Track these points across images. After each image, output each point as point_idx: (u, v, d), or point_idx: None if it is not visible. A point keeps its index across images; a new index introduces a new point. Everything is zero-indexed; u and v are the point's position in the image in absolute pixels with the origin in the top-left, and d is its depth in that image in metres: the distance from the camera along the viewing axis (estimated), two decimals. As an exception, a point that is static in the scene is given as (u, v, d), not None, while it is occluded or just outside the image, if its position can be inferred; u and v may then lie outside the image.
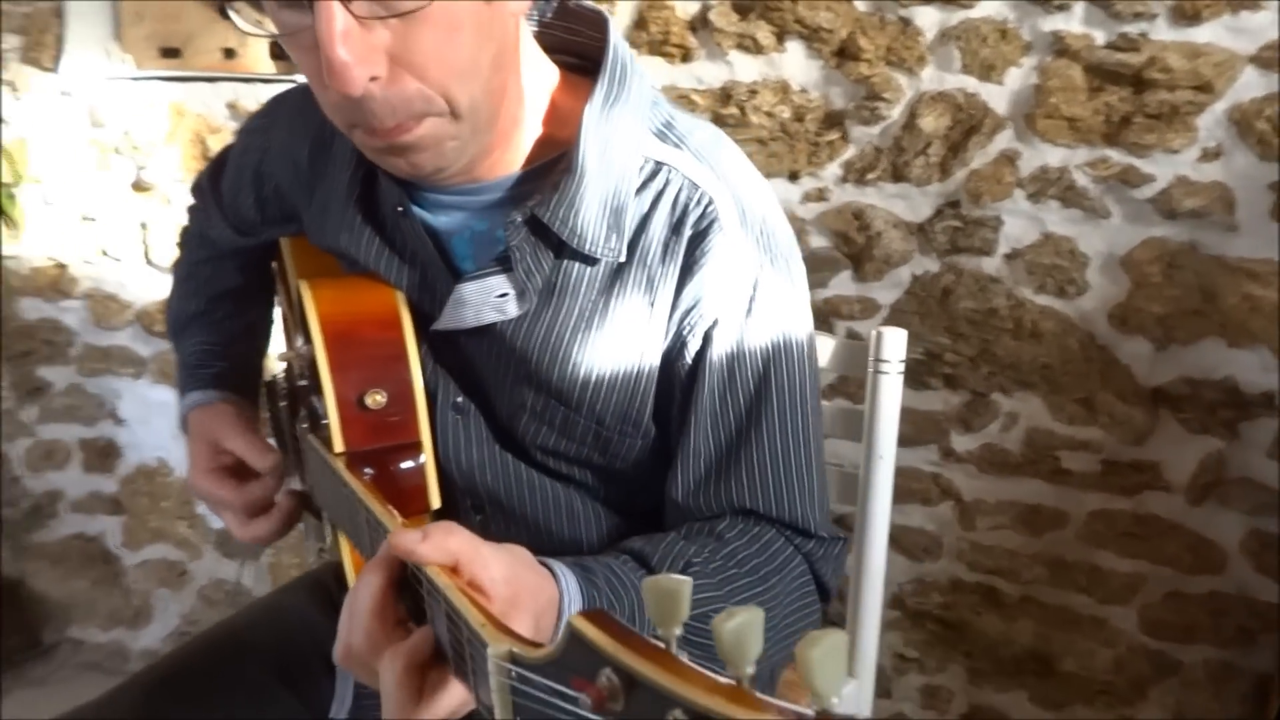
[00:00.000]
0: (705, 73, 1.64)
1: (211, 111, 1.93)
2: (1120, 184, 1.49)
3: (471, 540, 0.60)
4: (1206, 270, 1.48)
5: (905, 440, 1.64)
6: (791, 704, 0.36)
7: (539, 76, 0.80)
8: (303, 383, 0.94)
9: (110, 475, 2.17)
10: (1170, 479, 1.54)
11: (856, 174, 1.60)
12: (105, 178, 2.01)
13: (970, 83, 1.52)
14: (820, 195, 1.63)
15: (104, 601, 2.22)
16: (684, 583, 0.41)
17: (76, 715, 0.88)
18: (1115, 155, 1.48)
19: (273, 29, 0.70)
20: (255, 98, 1.89)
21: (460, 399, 0.85)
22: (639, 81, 0.80)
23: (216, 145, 1.93)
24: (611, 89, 0.78)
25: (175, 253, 1.17)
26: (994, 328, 1.58)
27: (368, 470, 0.81)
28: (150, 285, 2.05)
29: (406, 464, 0.83)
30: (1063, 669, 1.64)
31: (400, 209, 0.81)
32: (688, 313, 0.79)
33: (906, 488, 1.67)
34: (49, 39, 1.98)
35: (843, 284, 1.65)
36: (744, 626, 0.37)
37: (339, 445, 0.81)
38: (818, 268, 1.64)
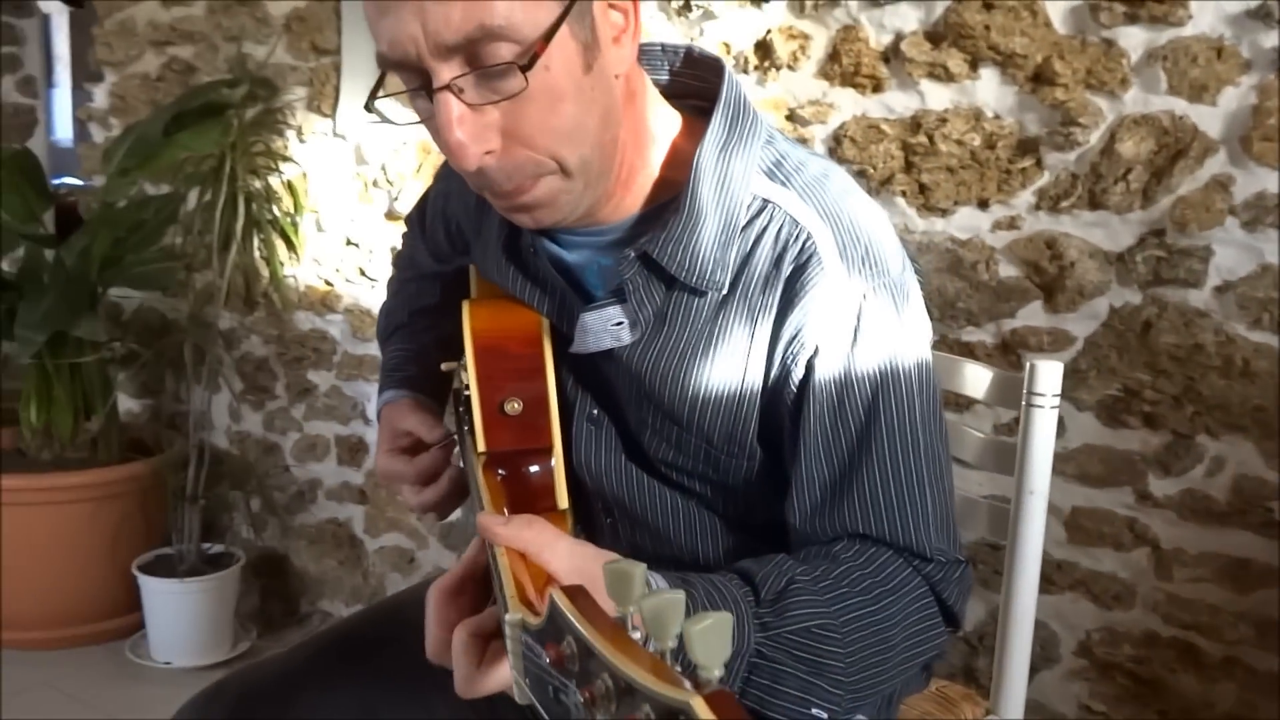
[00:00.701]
0: (896, 102, 1.61)
1: (452, 148, 2.09)
2: (1351, 211, 1.31)
3: (550, 534, 0.66)
4: None
5: (1097, 480, 1.53)
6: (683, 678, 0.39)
7: (661, 123, 0.85)
8: (466, 392, 1.02)
9: (358, 469, 2.38)
10: None
11: (1050, 201, 1.51)
12: (365, 208, 2.23)
13: (1179, 104, 1.40)
14: (1011, 223, 1.55)
15: (348, 580, 2.44)
16: (638, 566, 0.44)
17: (263, 664, 0.98)
18: (1345, 180, 1.31)
19: (413, 116, 0.78)
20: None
21: (595, 411, 0.91)
22: (752, 123, 0.83)
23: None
24: (723, 132, 0.81)
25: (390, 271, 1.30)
26: (1200, 364, 1.43)
27: (501, 471, 0.87)
28: (397, 302, 2.24)
29: (537, 466, 0.89)
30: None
31: (533, 249, 0.88)
32: (790, 343, 0.80)
33: (1097, 531, 1.54)
34: (329, 90, 2.22)
35: (1033, 314, 1.55)
36: (710, 630, 0.39)
37: (481, 446, 0.88)
38: (1006, 297, 1.56)
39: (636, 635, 0.44)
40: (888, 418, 0.80)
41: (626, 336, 0.84)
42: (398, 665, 0.96)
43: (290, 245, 2.30)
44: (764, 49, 1.70)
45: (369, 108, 0.81)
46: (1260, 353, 1.39)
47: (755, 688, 0.74)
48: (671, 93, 0.88)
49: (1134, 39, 1.41)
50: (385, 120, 0.82)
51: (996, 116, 1.53)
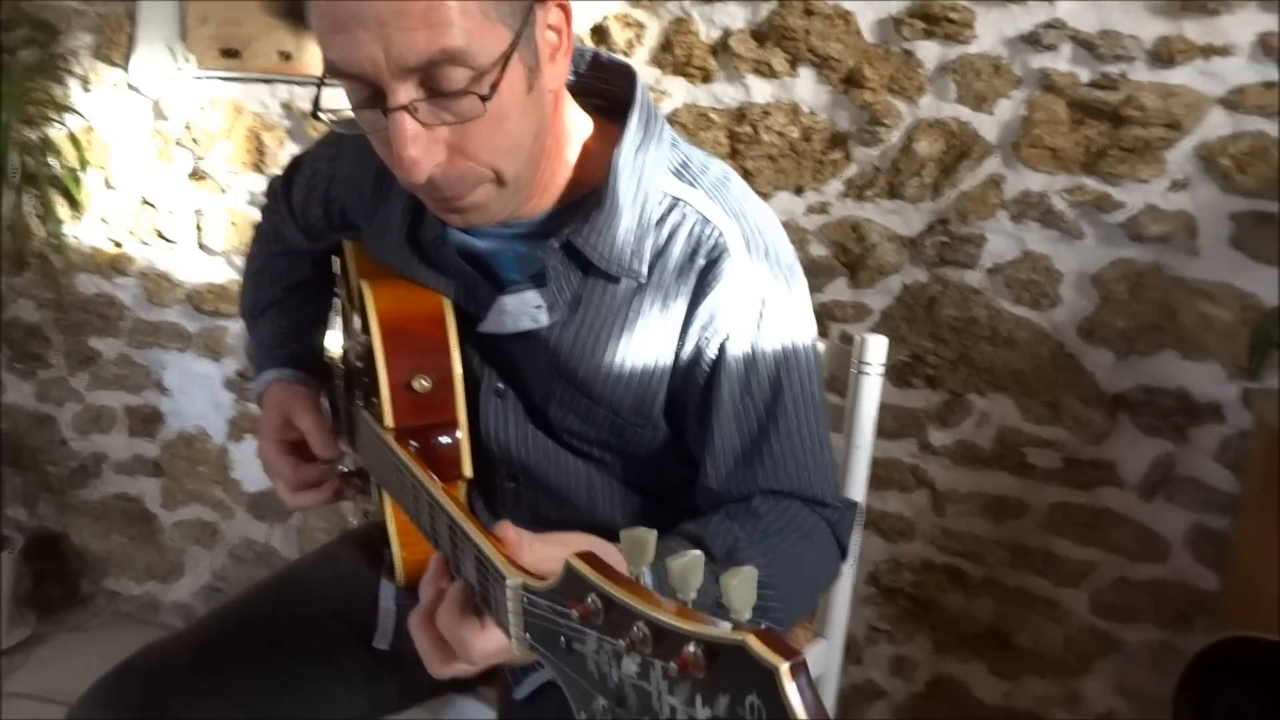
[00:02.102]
0: (723, 93, 1.66)
1: (268, 111, 1.93)
2: (1094, 209, 1.51)
3: (530, 534, 0.64)
4: (1168, 290, 1.51)
5: (888, 433, 1.67)
6: (717, 620, 0.42)
7: (575, 125, 0.86)
8: (359, 365, 0.97)
9: (152, 440, 2.15)
10: (1124, 476, 1.57)
11: (856, 190, 1.62)
12: (165, 167, 2.00)
13: (964, 112, 1.55)
14: (822, 208, 1.65)
15: (140, 556, 2.21)
16: (649, 534, 0.48)
17: (166, 643, 0.88)
18: (1091, 183, 1.51)
19: (358, 127, 0.78)
20: (310, 98, 1.88)
21: (501, 385, 0.91)
22: (660, 126, 0.86)
23: (271, 142, 1.93)
24: (638, 134, 0.84)
25: (248, 244, 1.22)
26: (973, 335, 1.60)
27: (413, 443, 0.86)
28: (201, 268, 2.04)
29: (445, 439, 0.89)
30: (1018, 644, 1.66)
31: (440, 239, 0.89)
32: (704, 328, 0.84)
33: (887, 477, 1.69)
34: (121, 38, 1.97)
35: (839, 290, 1.67)
36: (688, 565, 0.44)
37: (389, 421, 0.87)
38: (817, 274, 1.66)
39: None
40: (790, 389, 0.86)
41: (544, 319, 0.86)
42: (310, 637, 0.91)
43: (72, 202, 2.02)
44: (600, 34, 1.69)
45: (315, 115, 0.78)
46: (1021, 325, 1.58)
47: None
48: (576, 91, 0.90)
49: (930, 52, 1.54)
50: (336, 127, 0.80)
51: (812, 112, 1.62)
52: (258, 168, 1.96)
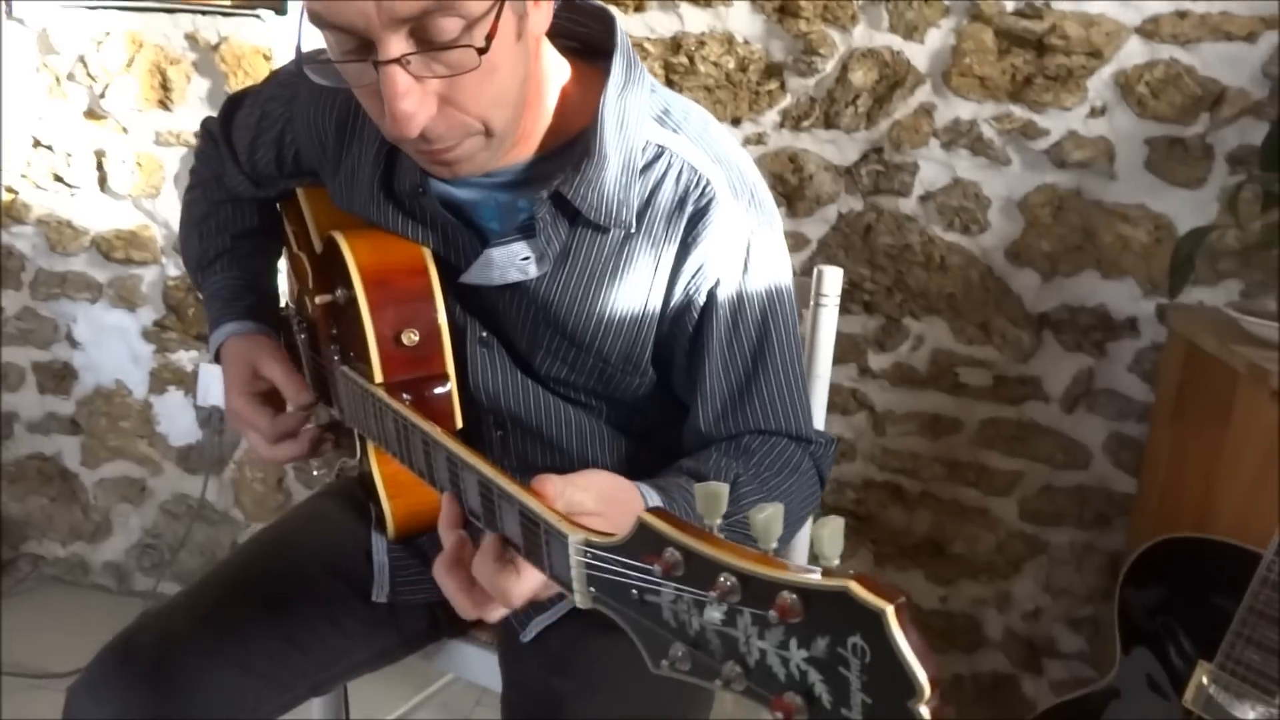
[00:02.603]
0: (657, 23, 1.64)
1: (170, 43, 1.80)
2: (1021, 136, 1.57)
3: (561, 481, 0.64)
4: (1088, 213, 1.58)
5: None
6: (802, 565, 0.45)
7: (554, 74, 0.84)
8: (334, 319, 0.95)
9: (67, 397, 2.05)
10: (1049, 390, 1.66)
11: (792, 121, 1.63)
12: (58, 105, 1.86)
13: (896, 41, 1.57)
14: (759, 139, 1.65)
15: (62, 517, 2.12)
16: (724, 488, 0.50)
17: (164, 612, 0.86)
18: (1018, 111, 1.56)
19: (341, 79, 0.74)
20: (216, 30, 1.77)
21: (485, 335, 0.91)
22: (640, 71, 0.85)
23: (177, 77, 1.81)
24: (621, 80, 0.82)
25: (186, 190, 1.15)
26: (908, 261, 1.65)
27: (405, 396, 0.85)
28: (107, 213, 1.92)
29: (435, 391, 0.88)
30: (953, 551, 1.76)
31: (421, 189, 0.86)
32: (694, 275, 0.85)
33: (829, 400, 1.73)
34: (-6, -38, 1.80)
35: (778, 220, 1.69)
36: (770, 517, 0.46)
37: (379, 376, 0.86)
38: (757, 205, 1.67)
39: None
40: (776, 332, 0.88)
41: (533, 270, 0.85)
42: (309, 594, 0.90)
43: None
44: (531, -39, 1.64)
45: (303, 68, 0.74)
46: (953, 250, 1.64)
47: None
48: (549, 33, 0.86)
49: (863, -19, 1.55)
50: (318, 79, 0.76)
51: (747, 42, 1.62)
52: (164, 105, 1.84)
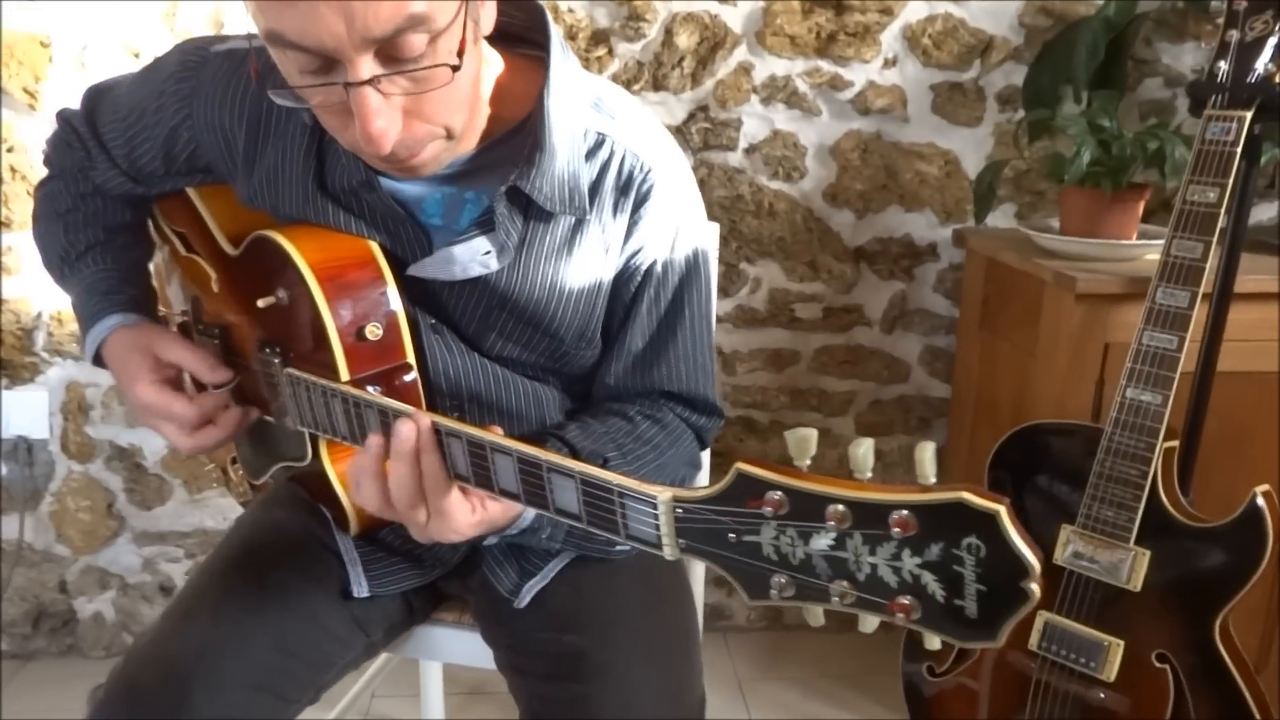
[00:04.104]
0: (481, -6, 1.62)
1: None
2: (829, 88, 1.71)
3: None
4: (889, 154, 1.76)
5: (677, 309, 1.81)
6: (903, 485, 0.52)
7: (491, 69, 0.86)
8: (263, 321, 0.92)
9: None
10: (870, 316, 1.85)
11: (623, 85, 1.68)
12: None
13: (713, 5, 1.66)
14: (593, 105, 1.69)
15: None
16: (813, 433, 0.57)
17: (158, 644, 0.82)
18: (825, 65, 1.70)
19: (299, 99, 0.73)
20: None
21: (434, 322, 0.92)
22: (573, 61, 0.88)
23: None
24: (560, 71, 0.84)
25: (41, 181, 1.06)
26: (740, 210, 1.77)
27: (373, 388, 0.85)
28: None
29: (403, 380, 0.89)
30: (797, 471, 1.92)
31: (368, 185, 0.85)
32: (634, 255, 0.90)
33: (680, 348, 1.83)
34: None
35: (617, 182, 1.74)
36: (868, 449, 0.54)
37: (345, 374, 0.85)
38: (597, 169, 1.72)
39: None
40: (689, 301, 0.95)
41: (494, 264, 0.87)
42: (294, 607, 0.89)
43: None
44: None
45: (273, 93, 0.73)
46: (779, 196, 1.77)
47: (576, 535, 0.88)
48: None
49: (677, -53, 1.62)
50: (294, 104, 0.74)
51: (572, 10, 1.65)
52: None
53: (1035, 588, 0.49)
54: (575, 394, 0.99)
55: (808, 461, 0.56)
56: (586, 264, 0.89)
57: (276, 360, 0.90)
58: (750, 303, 1.84)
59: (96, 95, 0.99)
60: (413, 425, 0.71)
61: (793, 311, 1.84)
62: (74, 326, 1.73)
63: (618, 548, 0.91)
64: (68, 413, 1.78)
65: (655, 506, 0.60)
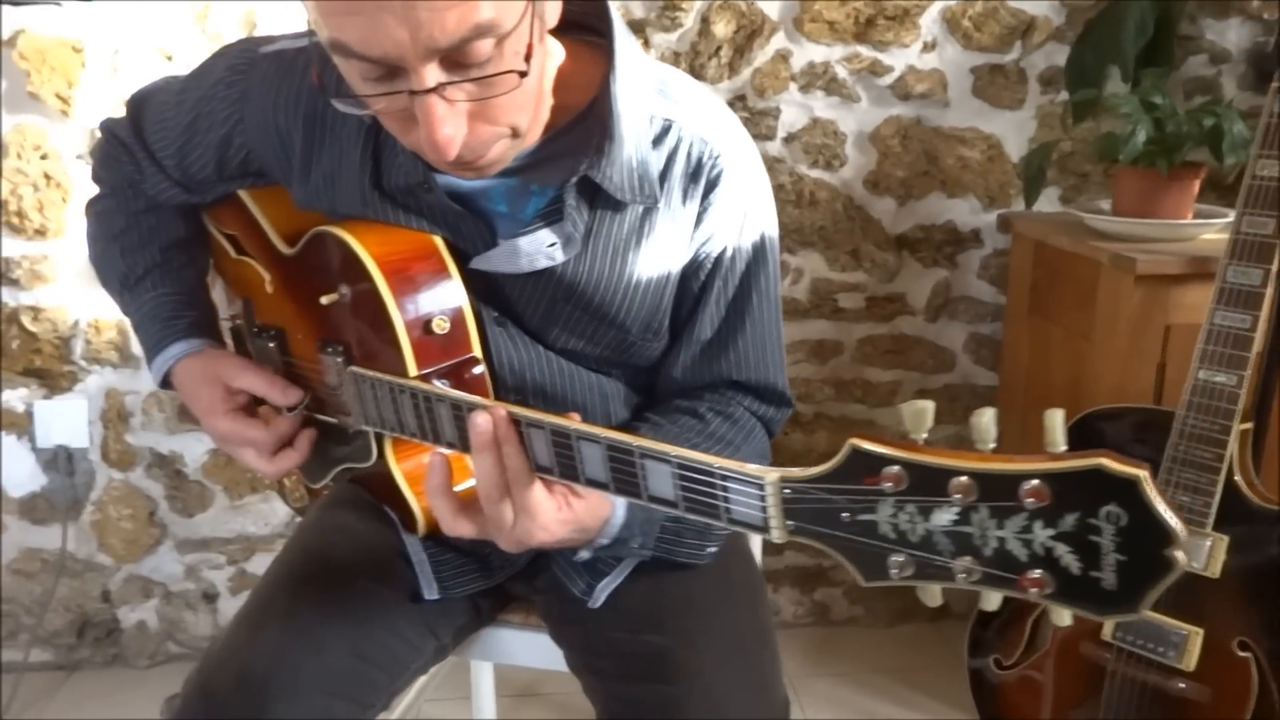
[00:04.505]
0: (516, -12, 1.61)
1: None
2: (869, 74, 1.70)
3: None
4: (930, 139, 1.74)
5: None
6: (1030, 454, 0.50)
7: (554, 59, 0.84)
8: (314, 323, 0.91)
9: None
10: (914, 305, 1.83)
11: (660, 77, 1.67)
12: None
13: (749, -8, 1.64)
14: (630, 97, 1.68)
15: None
16: (929, 404, 0.55)
17: (224, 652, 0.81)
18: (864, 50, 1.68)
19: (362, 106, 0.73)
20: (4, 23, 1.57)
21: (497, 314, 0.90)
22: (636, 46, 0.86)
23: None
24: (625, 58, 0.83)
25: (92, 200, 1.06)
26: (781, 200, 1.75)
27: (441, 383, 0.84)
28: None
29: (473, 373, 0.88)
30: (847, 464, 1.90)
31: (426, 185, 0.85)
32: (704, 243, 0.89)
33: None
34: None
35: (655, 175, 1.73)
36: (990, 418, 0.53)
37: (413, 369, 0.84)
38: (635, 162, 1.70)
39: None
40: (758, 287, 0.93)
41: (560, 256, 0.85)
42: (369, 613, 0.88)
43: None
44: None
45: (337, 102, 0.73)
46: (819, 185, 1.76)
47: (666, 541, 0.87)
48: None
49: (712, -65, 1.61)
50: (358, 111, 0.74)
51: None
52: (-52, 115, 1.61)
53: (1181, 555, 0.47)
54: (639, 387, 0.98)
55: (924, 434, 0.55)
56: (655, 254, 0.87)
57: (339, 359, 0.89)
58: (792, 294, 1.82)
59: (140, 103, 0.98)
60: (489, 416, 0.70)
61: (835, 301, 1.82)
62: (112, 334, 1.73)
63: (708, 550, 0.89)
64: (107, 421, 1.78)
65: (762, 488, 0.58)
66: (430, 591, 0.91)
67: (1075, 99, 1.63)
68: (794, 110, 1.72)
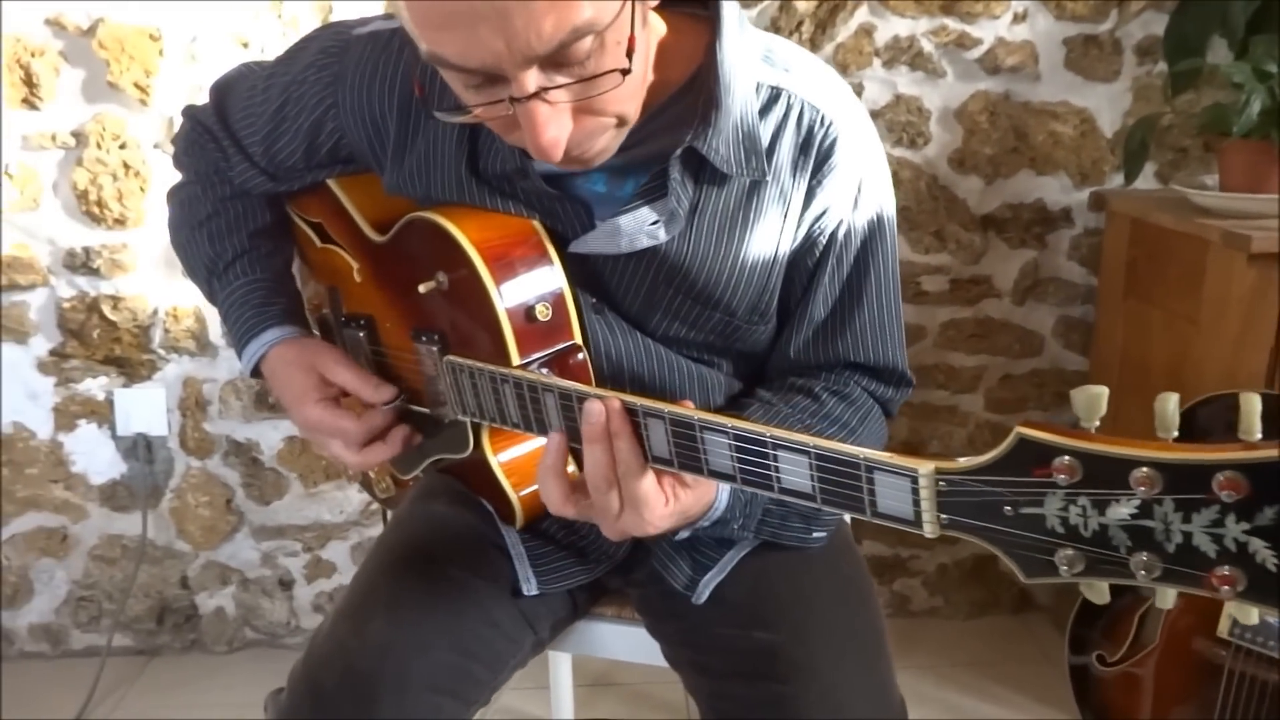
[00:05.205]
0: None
1: (29, 31, 1.60)
2: (956, 47, 1.65)
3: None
4: (1019, 115, 1.69)
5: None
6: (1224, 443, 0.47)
7: (654, 35, 0.82)
8: (420, 308, 0.90)
9: (-49, 449, 1.81)
10: (1000, 287, 1.78)
11: (738, 54, 1.64)
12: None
13: (831, -35, 1.60)
14: (707, 76, 1.65)
15: (-33, 586, 1.88)
16: (1104, 390, 0.52)
17: (328, 646, 0.82)
18: (951, 23, 1.64)
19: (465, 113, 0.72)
20: (85, 13, 1.59)
21: (595, 301, 0.88)
22: (740, 13, 0.83)
23: (43, 70, 1.61)
24: (731, 25, 0.81)
25: (174, 189, 1.06)
26: (862, 180, 1.71)
27: (544, 371, 0.82)
28: (-23, 235, 1.70)
29: (576, 360, 0.86)
30: (929, 452, 1.86)
31: (522, 171, 0.83)
32: (818, 218, 0.85)
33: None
34: None
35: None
36: (1175, 404, 0.49)
37: (516, 358, 0.82)
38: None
39: None
40: (875, 265, 0.90)
41: (662, 234, 0.83)
42: (469, 607, 0.87)
43: None
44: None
45: (439, 114, 0.74)
46: (903, 164, 1.71)
47: (770, 525, 0.85)
48: None
49: (793, -94, 1.57)
50: (461, 120, 0.74)
51: (685, -22, 1.61)
52: (29, 103, 1.63)
53: (1403, 551, 0.43)
54: (741, 375, 0.95)
55: (1096, 423, 0.52)
56: (764, 230, 0.84)
57: (435, 348, 0.88)
58: (873, 277, 1.78)
59: (225, 89, 0.98)
60: (602, 406, 0.68)
61: (918, 284, 1.78)
62: (190, 323, 1.75)
63: (815, 535, 0.87)
64: (185, 409, 1.80)
65: (916, 481, 0.56)
66: (529, 587, 0.90)
67: (1177, 69, 1.56)
68: (877, 86, 1.68)
